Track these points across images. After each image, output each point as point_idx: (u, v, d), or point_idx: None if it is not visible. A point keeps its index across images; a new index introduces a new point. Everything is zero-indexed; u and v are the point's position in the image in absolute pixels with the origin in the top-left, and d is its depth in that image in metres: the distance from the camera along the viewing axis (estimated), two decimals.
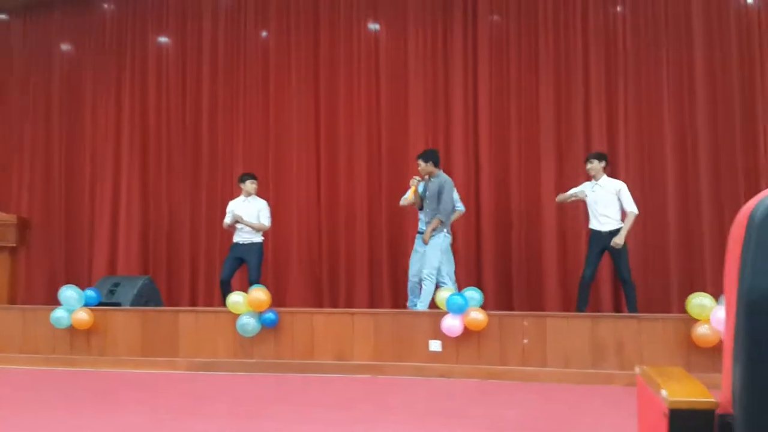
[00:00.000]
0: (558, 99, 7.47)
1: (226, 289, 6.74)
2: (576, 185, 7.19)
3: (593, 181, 6.26)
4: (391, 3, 7.97)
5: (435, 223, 6.26)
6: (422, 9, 7.87)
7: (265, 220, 6.92)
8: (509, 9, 7.67)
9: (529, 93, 7.57)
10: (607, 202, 6.14)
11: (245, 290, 6.33)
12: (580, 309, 6.18)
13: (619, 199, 6.12)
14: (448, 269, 6.43)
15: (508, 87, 7.62)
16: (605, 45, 7.42)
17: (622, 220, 6.11)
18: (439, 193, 6.28)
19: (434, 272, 6.24)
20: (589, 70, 7.42)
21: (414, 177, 6.38)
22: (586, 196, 6.23)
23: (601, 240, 6.13)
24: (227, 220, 6.92)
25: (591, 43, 7.44)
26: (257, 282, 6.79)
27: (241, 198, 6.98)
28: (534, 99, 7.55)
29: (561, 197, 6.46)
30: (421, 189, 6.44)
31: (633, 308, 6.07)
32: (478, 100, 7.66)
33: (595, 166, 6.21)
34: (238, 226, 6.86)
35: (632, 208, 6.09)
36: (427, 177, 6.42)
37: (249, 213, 6.88)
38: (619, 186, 6.17)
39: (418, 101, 7.77)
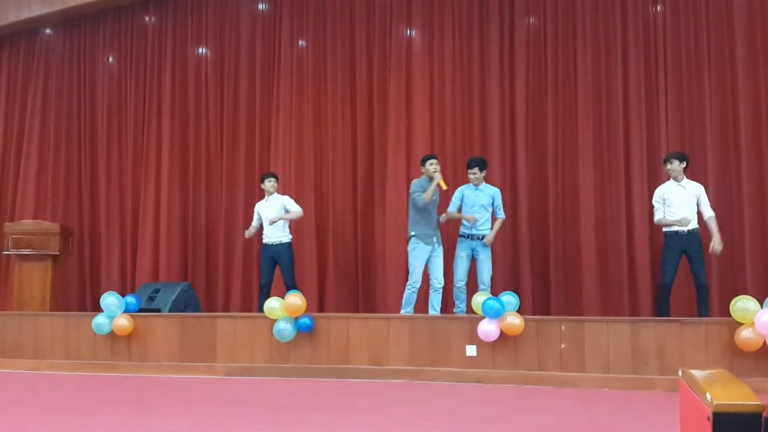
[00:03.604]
0: (597, 101, 7.39)
1: (266, 295, 6.79)
2: (614, 189, 7.13)
3: (672, 182, 6.08)
4: (426, 8, 7.97)
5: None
6: (458, 13, 7.85)
7: (294, 207, 6.96)
8: (546, 11, 7.62)
9: (567, 95, 7.50)
10: (688, 204, 5.98)
11: (282, 294, 6.38)
12: (663, 316, 6.03)
13: (697, 201, 5.99)
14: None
15: (546, 89, 7.56)
16: (644, 45, 7.32)
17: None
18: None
19: None
20: (629, 71, 7.32)
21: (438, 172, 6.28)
22: (686, 221, 5.93)
23: (681, 241, 5.95)
24: (254, 224, 7.03)
25: (630, 43, 7.34)
26: (293, 283, 6.84)
27: (264, 199, 7.07)
28: (572, 102, 7.47)
29: (666, 222, 6.10)
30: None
31: (706, 313, 5.91)
32: (515, 102, 7.61)
33: (676, 167, 6.04)
34: (266, 226, 6.89)
35: (711, 212, 6.00)
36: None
37: (273, 211, 6.93)
38: (701, 188, 6.04)
39: (455, 105, 7.75)
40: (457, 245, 6.57)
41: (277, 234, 6.91)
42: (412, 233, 6.33)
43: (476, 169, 6.50)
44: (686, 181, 6.07)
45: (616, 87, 7.33)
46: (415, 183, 6.38)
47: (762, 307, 5.23)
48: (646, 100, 7.27)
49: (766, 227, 6.82)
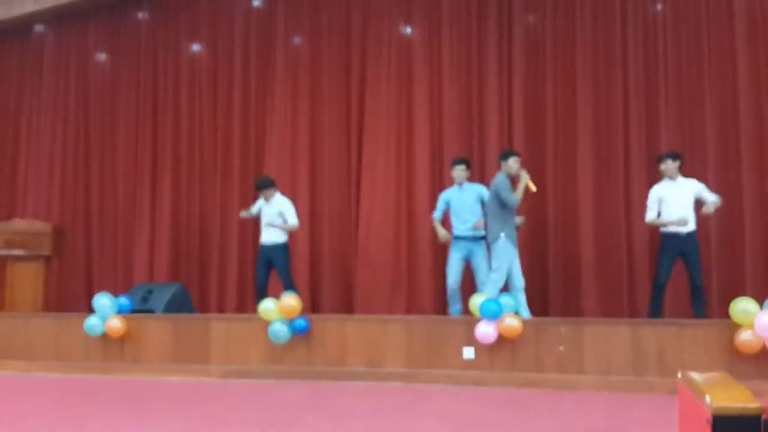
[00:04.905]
0: (596, 101, 7.35)
1: (261, 295, 6.75)
2: (613, 188, 7.09)
3: (668, 181, 6.03)
4: (424, 5, 7.92)
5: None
6: (456, 11, 7.81)
7: (292, 219, 6.86)
8: (545, 9, 7.57)
9: (566, 95, 7.46)
10: (687, 202, 5.92)
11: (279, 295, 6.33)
12: (654, 316, 6.00)
13: (698, 199, 5.92)
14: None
15: (544, 88, 7.51)
16: (644, 44, 7.28)
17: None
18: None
19: None
20: (628, 70, 7.29)
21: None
22: (684, 221, 5.88)
23: (677, 243, 5.92)
24: (252, 210, 7.01)
25: (630, 43, 7.30)
26: (290, 283, 6.80)
27: (267, 201, 6.97)
28: (571, 101, 7.43)
29: (660, 222, 6.06)
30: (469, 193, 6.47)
31: (702, 314, 5.88)
32: (513, 102, 7.56)
33: (670, 165, 5.99)
34: (263, 225, 6.87)
35: (716, 198, 5.88)
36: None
37: (270, 214, 6.88)
38: (700, 185, 5.98)
39: (453, 103, 7.70)
40: (450, 247, 6.51)
41: (272, 236, 6.86)
42: (502, 234, 5.91)
43: (464, 166, 6.45)
44: (682, 179, 6.04)
45: (616, 86, 7.30)
46: (500, 181, 5.94)
47: (762, 309, 5.19)
48: (645, 100, 7.23)
49: (766, 228, 6.77)
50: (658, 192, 6.09)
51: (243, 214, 7.09)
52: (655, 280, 6.12)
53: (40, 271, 7.28)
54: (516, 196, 5.88)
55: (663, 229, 6.06)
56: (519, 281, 6.07)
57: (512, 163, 6.00)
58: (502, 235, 5.89)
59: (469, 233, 6.38)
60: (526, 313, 6.04)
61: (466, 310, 6.33)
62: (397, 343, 5.97)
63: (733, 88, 7.01)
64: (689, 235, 5.92)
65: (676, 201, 5.96)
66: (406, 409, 4.72)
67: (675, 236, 5.94)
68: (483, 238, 6.34)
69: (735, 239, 6.86)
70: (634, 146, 7.18)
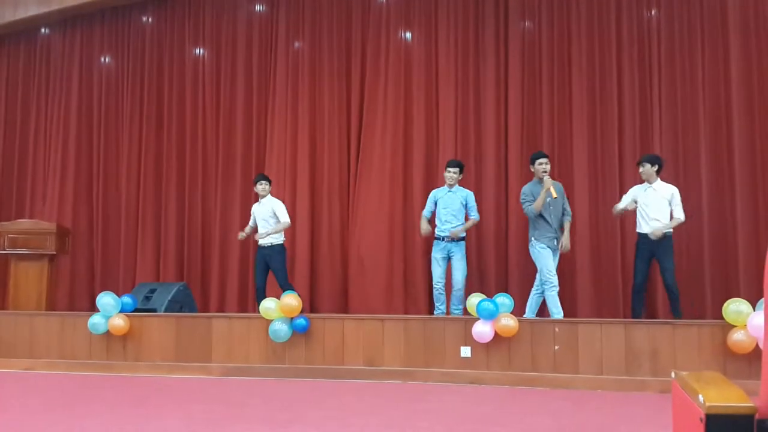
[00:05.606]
0: (591, 106, 7.41)
1: (261, 296, 6.83)
2: (609, 192, 7.16)
3: (645, 185, 6.14)
4: (422, 12, 7.99)
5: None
6: (454, 16, 7.87)
7: (282, 217, 6.95)
8: (541, 15, 7.64)
9: (562, 100, 7.53)
10: (659, 207, 6.03)
11: (279, 295, 6.40)
12: (636, 316, 6.10)
13: (669, 204, 6.04)
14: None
15: (540, 93, 7.58)
16: (639, 49, 7.36)
17: None
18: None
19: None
20: (623, 75, 7.37)
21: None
22: (635, 205, 6.10)
23: (650, 244, 6.02)
24: (249, 224, 7.17)
25: (624, 48, 7.38)
26: (286, 284, 6.87)
27: (258, 201, 7.12)
28: (567, 106, 7.50)
29: (617, 211, 6.30)
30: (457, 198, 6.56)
31: (677, 314, 5.98)
32: (509, 107, 7.62)
33: (647, 169, 6.09)
34: (260, 230, 6.98)
35: (681, 215, 6.02)
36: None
37: (263, 214, 7.00)
38: (672, 190, 6.08)
39: (449, 108, 7.76)
40: (432, 247, 6.62)
41: (269, 237, 6.94)
42: (532, 238, 6.18)
43: (457, 170, 6.54)
44: (658, 183, 6.12)
45: (611, 91, 7.36)
46: (525, 190, 6.23)
47: (754, 309, 5.27)
48: (640, 104, 7.31)
49: (759, 230, 6.85)
50: (633, 192, 6.23)
51: (240, 236, 7.14)
52: (632, 282, 6.24)
53: (44, 270, 7.31)
54: (533, 207, 6.07)
55: (638, 230, 6.17)
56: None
57: (537, 166, 6.19)
58: (533, 239, 6.17)
59: (449, 234, 6.47)
60: (531, 314, 6.23)
61: (449, 311, 6.49)
62: (395, 341, 6.05)
63: (726, 91, 7.09)
64: (661, 237, 5.97)
65: (649, 203, 6.06)
66: (404, 407, 4.79)
67: (646, 237, 6.04)
68: (462, 239, 6.53)
69: (728, 241, 6.93)
70: (628, 150, 7.25)
